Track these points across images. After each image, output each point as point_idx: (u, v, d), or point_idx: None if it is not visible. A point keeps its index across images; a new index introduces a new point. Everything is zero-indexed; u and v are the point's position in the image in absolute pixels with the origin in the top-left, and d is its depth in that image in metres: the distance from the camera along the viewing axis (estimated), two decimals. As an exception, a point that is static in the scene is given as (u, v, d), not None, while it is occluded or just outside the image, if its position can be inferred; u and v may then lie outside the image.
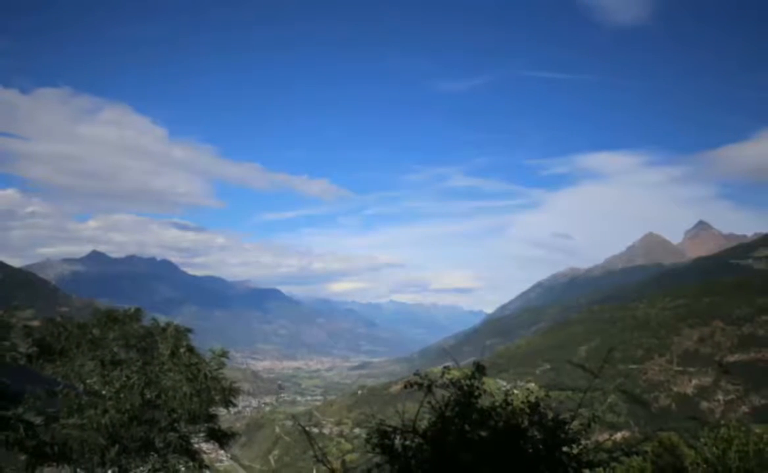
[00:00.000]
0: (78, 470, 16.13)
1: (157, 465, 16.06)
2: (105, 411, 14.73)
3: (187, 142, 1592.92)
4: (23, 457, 14.75)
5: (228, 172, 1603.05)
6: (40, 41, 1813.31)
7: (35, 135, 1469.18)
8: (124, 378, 15.48)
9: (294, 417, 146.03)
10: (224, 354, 17.80)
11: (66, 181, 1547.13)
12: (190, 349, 17.30)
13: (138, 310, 18.48)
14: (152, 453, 15.83)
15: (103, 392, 15.52)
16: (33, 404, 13.78)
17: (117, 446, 15.21)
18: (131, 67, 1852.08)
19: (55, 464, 15.23)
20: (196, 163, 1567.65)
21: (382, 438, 6.63)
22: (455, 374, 7.03)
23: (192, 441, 17.30)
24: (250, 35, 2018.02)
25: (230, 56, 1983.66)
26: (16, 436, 12.95)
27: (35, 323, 17.59)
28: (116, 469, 15.89)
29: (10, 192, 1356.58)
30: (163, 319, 18.91)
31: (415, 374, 7.20)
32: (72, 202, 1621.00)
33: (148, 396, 15.54)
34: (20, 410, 13.16)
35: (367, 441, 6.89)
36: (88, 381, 15.69)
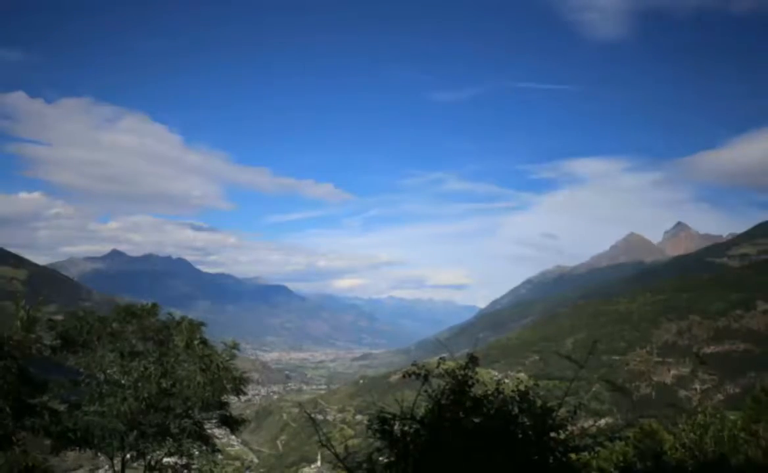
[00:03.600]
0: (99, 454, 16.18)
1: (173, 449, 16.07)
2: (124, 399, 14.75)
3: (200, 148, 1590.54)
4: (48, 442, 14.81)
5: (239, 176, 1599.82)
6: (64, 54, 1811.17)
7: (59, 142, 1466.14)
8: (142, 369, 15.49)
9: (300, 404, 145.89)
10: (235, 346, 17.78)
11: (88, 184, 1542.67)
12: (204, 341, 17.29)
13: (155, 305, 18.44)
14: (168, 438, 15.84)
15: (123, 381, 15.54)
16: (57, 392, 13.82)
17: (135, 432, 15.24)
18: (149, 77, 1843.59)
19: (77, 448, 15.26)
20: (209, 168, 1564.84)
21: (382, 425, 6.62)
22: (450, 365, 7.02)
23: (205, 427, 17.30)
24: (259, 48, 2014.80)
25: (239, 67, 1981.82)
26: (41, 422, 12.99)
27: (59, 317, 17.52)
28: (134, 453, 15.92)
29: (36, 195, 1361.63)
30: (178, 314, 18.85)
31: (413, 365, 7.18)
32: (94, 204, 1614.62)
33: (164, 385, 15.54)
34: (45, 398, 13.20)
35: (369, 427, 6.87)
36: (108, 371, 15.71)
